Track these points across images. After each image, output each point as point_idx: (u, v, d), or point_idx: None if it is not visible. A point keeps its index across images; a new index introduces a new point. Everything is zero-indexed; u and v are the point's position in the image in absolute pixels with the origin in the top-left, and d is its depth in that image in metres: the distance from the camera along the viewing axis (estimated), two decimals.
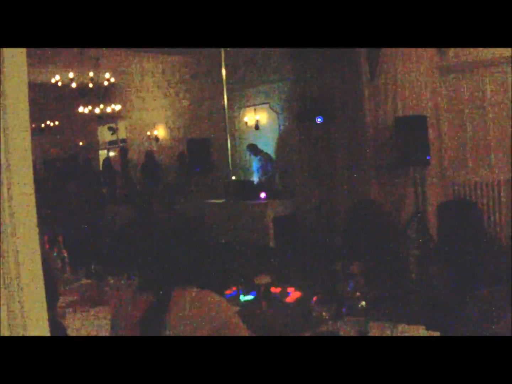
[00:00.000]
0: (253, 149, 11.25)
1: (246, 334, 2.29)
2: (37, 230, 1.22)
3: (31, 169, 1.26)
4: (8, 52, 1.18)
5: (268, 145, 11.70)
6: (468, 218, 3.10)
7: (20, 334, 1.15)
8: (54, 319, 2.84)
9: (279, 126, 11.61)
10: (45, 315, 1.18)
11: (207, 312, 2.22)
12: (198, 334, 2.17)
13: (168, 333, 2.18)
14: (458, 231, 3.04)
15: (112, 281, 3.73)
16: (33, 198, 1.25)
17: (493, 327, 2.62)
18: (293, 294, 3.27)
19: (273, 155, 11.49)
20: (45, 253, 4.26)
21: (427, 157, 7.96)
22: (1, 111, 1.20)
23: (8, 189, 1.20)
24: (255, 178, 11.32)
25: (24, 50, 1.21)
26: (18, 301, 1.14)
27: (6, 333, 1.14)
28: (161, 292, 2.28)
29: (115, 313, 2.47)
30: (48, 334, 1.19)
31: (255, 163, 11.37)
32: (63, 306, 3.47)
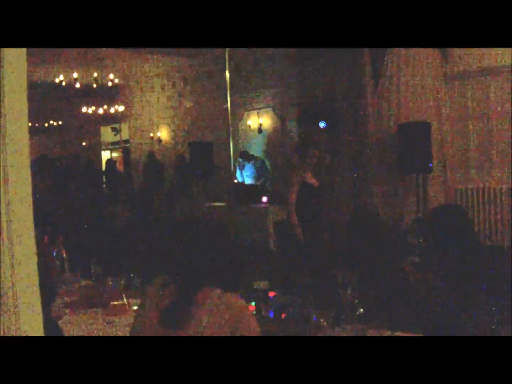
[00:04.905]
0: (246, 155, 11.37)
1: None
2: (33, 231, 1.22)
3: (28, 169, 1.25)
4: (7, 52, 1.17)
5: (270, 149, 11.74)
6: (458, 225, 3.11)
7: (14, 334, 1.14)
8: (50, 319, 2.85)
9: (282, 130, 11.61)
10: (39, 315, 1.18)
11: (229, 314, 2.27)
12: (216, 334, 2.22)
13: (190, 329, 2.24)
14: (448, 237, 3.05)
15: (111, 283, 3.73)
16: (30, 199, 1.25)
17: (492, 327, 2.61)
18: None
19: (266, 160, 11.57)
20: (43, 253, 4.25)
21: (430, 164, 7.95)
22: (0, 111, 1.20)
23: (5, 189, 1.20)
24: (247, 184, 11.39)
25: (24, 50, 1.21)
26: (12, 301, 1.13)
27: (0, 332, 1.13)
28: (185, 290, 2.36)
29: (139, 307, 2.55)
30: (42, 334, 1.19)
31: (248, 169, 11.44)
32: (61, 306, 3.47)
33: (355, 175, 8.98)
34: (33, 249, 1.24)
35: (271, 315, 3.27)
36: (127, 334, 2.77)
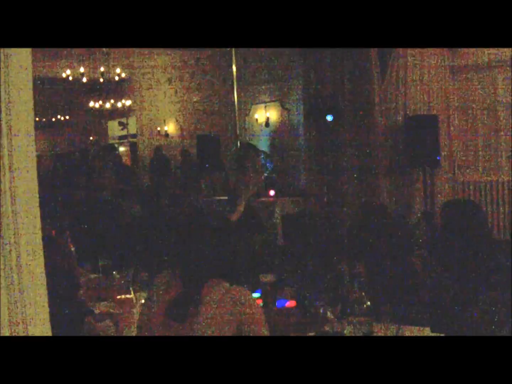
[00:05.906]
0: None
1: (266, 333, 2.33)
2: (40, 229, 1.22)
3: (35, 164, 1.25)
4: (13, 50, 1.18)
5: (277, 143, 11.75)
6: (471, 219, 3.09)
7: (21, 334, 1.15)
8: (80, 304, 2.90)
9: (289, 123, 11.59)
10: (46, 314, 1.18)
11: (236, 307, 2.28)
12: (224, 328, 2.23)
13: (197, 323, 2.24)
14: (460, 231, 3.04)
15: (118, 276, 3.75)
16: (36, 194, 1.25)
17: (493, 327, 2.61)
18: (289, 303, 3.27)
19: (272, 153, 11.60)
20: (56, 247, 4.27)
21: (437, 158, 7.91)
22: (5, 108, 1.20)
23: (11, 186, 1.20)
24: None
25: (29, 49, 1.21)
26: (19, 300, 1.14)
27: (6, 332, 1.13)
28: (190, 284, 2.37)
29: (146, 300, 2.57)
30: (49, 333, 1.19)
31: None
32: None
33: (355, 175, 8.95)
34: (40, 246, 1.24)
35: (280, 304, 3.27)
36: (134, 328, 2.79)
